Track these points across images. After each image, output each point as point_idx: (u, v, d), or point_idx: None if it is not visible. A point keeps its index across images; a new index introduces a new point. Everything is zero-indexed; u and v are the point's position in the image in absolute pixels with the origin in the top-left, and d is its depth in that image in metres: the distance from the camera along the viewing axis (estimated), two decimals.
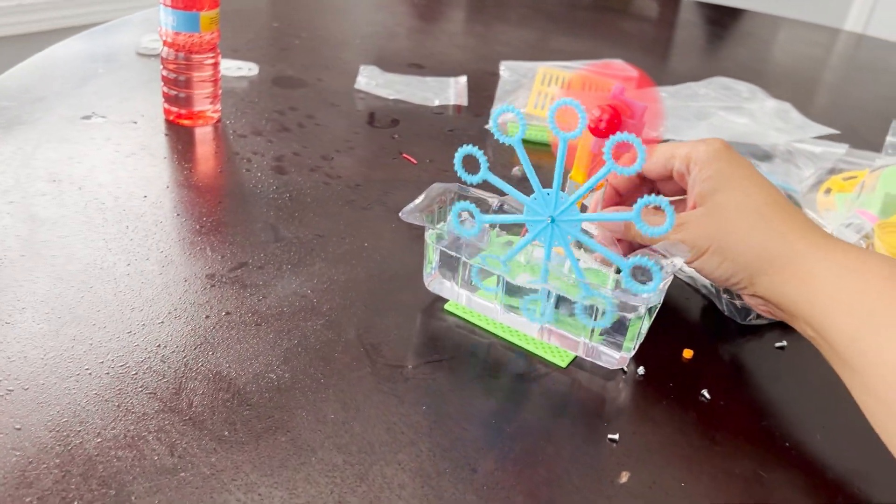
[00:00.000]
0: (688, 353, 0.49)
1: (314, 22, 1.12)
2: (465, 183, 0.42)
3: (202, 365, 0.43)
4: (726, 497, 0.39)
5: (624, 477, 0.39)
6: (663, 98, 0.82)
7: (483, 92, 0.90)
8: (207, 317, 0.47)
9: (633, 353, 0.46)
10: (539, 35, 1.21)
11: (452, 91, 0.88)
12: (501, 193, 0.45)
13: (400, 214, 0.47)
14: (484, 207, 0.49)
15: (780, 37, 1.46)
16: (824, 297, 0.40)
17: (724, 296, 0.53)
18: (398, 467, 0.38)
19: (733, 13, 1.55)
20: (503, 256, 0.45)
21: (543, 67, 0.90)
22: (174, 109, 0.72)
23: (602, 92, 0.45)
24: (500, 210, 0.49)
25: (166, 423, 0.39)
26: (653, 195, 0.37)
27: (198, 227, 0.56)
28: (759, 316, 0.52)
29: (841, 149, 0.75)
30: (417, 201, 0.48)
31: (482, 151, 0.42)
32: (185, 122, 0.72)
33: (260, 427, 0.39)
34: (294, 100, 0.81)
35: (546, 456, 0.40)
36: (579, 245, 0.47)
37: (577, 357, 0.47)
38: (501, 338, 0.48)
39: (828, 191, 0.69)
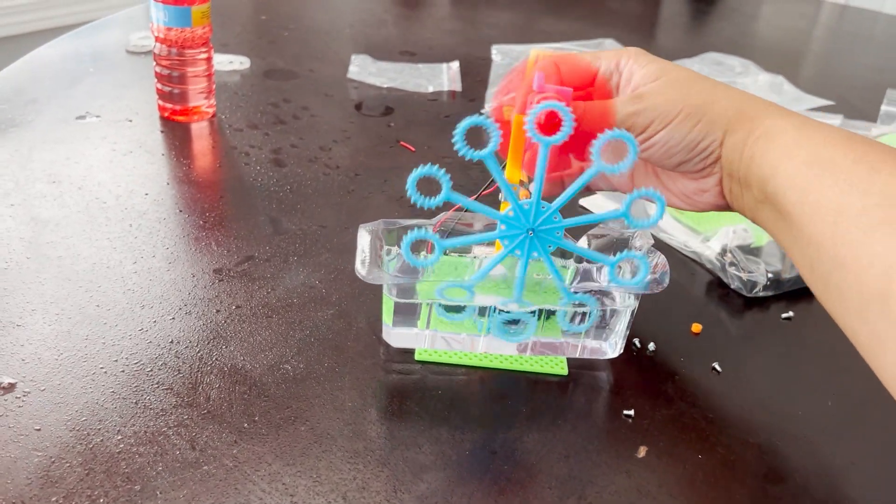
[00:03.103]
0: (697, 328, 0.49)
1: (301, 13, 1.11)
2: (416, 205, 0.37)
3: (216, 359, 0.43)
4: (743, 466, 0.39)
5: (642, 451, 0.40)
6: None
7: (476, 77, 0.90)
8: (218, 311, 0.47)
9: (626, 338, 0.45)
10: (526, 16, 1.21)
11: (445, 77, 0.88)
12: (424, 216, 0.40)
13: (360, 276, 0.41)
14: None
15: (764, 10, 1.46)
16: (784, 148, 0.39)
17: (731, 269, 0.54)
18: (419, 451, 0.38)
19: None
20: (468, 282, 0.41)
21: (536, 50, 0.89)
22: (169, 106, 0.71)
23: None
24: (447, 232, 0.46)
25: (185, 417, 0.39)
26: (644, 189, 0.37)
27: (201, 222, 0.56)
28: (765, 287, 0.52)
29: (836, 119, 0.76)
30: (364, 255, 0.42)
31: (443, 171, 0.37)
32: (181, 118, 0.71)
33: (279, 418, 0.40)
34: (287, 92, 0.81)
35: (563, 434, 0.40)
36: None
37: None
38: (488, 368, 0.45)
39: None
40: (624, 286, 0.41)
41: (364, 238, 0.44)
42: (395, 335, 0.44)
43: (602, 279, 0.47)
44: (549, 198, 0.39)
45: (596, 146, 0.37)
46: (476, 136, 0.37)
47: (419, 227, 0.39)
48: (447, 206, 0.39)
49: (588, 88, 0.46)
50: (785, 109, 0.42)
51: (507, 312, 0.42)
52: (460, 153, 0.36)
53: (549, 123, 0.40)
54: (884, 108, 0.69)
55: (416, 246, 0.40)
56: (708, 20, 1.38)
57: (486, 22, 1.16)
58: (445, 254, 0.46)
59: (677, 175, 0.45)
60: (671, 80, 0.43)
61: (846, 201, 0.36)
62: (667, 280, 0.41)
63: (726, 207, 0.45)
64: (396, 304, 0.43)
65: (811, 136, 0.39)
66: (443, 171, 0.36)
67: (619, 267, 0.44)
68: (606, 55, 0.46)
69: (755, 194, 0.41)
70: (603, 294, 0.43)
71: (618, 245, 0.46)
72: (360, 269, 0.41)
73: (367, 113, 0.78)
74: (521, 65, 0.57)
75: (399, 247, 0.42)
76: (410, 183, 0.36)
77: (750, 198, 0.42)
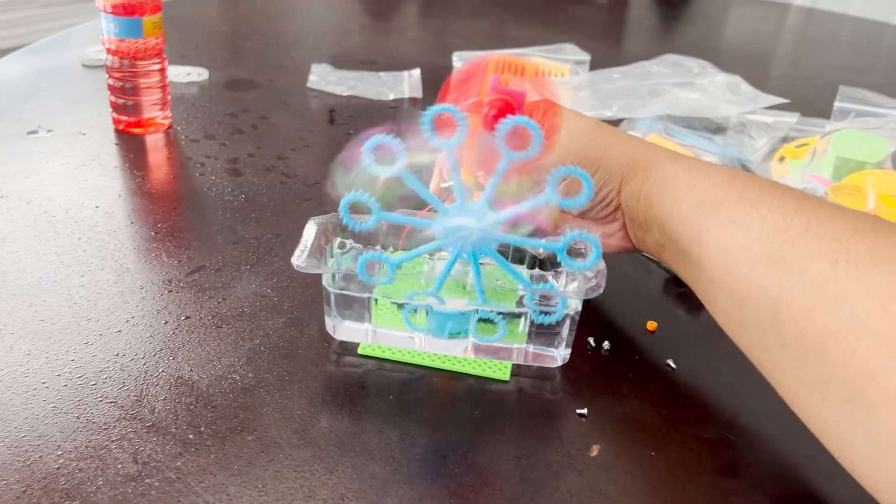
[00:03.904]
0: (651, 326, 0.49)
1: (265, 24, 1.11)
2: (348, 224, 0.38)
3: (163, 370, 0.42)
4: (697, 462, 0.39)
5: (594, 450, 0.39)
6: (615, 78, 0.83)
7: (437, 83, 0.89)
8: (166, 322, 0.46)
9: (570, 347, 0.44)
10: (492, 24, 1.21)
11: (406, 84, 0.88)
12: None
13: (296, 266, 0.41)
14: (373, 238, 0.46)
15: (732, 15, 1.48)
16: (676, 193, 0.41)
17: None
18: (368, 457, 0.38)
19: None
20: (431, 289, 0.41)
21: (497, 55, 0.90)
22: (123, 118, 0.70)
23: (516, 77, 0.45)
24: (391, 231, 0.46)
25: (128, 430, 0.38)
26: (580, 232, 0.37)
27: (153, 233, 0.55)
28: None
29: (792, 118, 0.76)
30: (305, 246, 0.42)
31: (370, 195, 0.37)
32: (136, 130, 0.71)
33: (225, 428, 0.39)
34: (246, 102, 0.80)
35: (515, 435, 0.40)
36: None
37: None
38: (431, 367, 0.44)
39: (781, 159, 0.70)
40: (579, 268, 0.40)
41: (310, 230, 0.44)
42: (339, 328, 0.45)
43: (557, 284, 0.46)
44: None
45: (552, 178, 0.37)
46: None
47: (372, 249, 0.39)
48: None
49: None
50: (677, 154, 0.45)
51: (482, 312, 0.42)
52: (370, 170, 0.37)
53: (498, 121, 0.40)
54: (837, 104, 0.70)
55: (371, 265, 0.40)
56: (675, 25, 1.39)
57: (451, 30, 1.16)
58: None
59: (588, 220, 0.48)
60: (572, 135, 0.46)
61: (731, 240, 0.38)
62: (603, 286, 0.41)
63: (633, 250, 0.48)
64: (341, 297, 0.43)
65: (700, 179, 0.41)
66: (370, 196, 0.37)
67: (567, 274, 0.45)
68: (524, 108, 0.48)
69: (656, 237, 0.44)
70: (546, 301, 0.42)
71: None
72: (297, 259, 0.41)
73: (326, 121, 0.78)
74: (474, 64, 0.57)
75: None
76: (342, 208, 0.38)
77: (652, 240, 0.44)
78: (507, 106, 0.42)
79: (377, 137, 0.37)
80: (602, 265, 0.42)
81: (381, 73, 0.91)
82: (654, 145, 0.46)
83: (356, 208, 0.39)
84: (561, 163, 0.43)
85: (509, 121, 0.36)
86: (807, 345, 0.33)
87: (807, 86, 1.01)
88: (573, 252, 0.43)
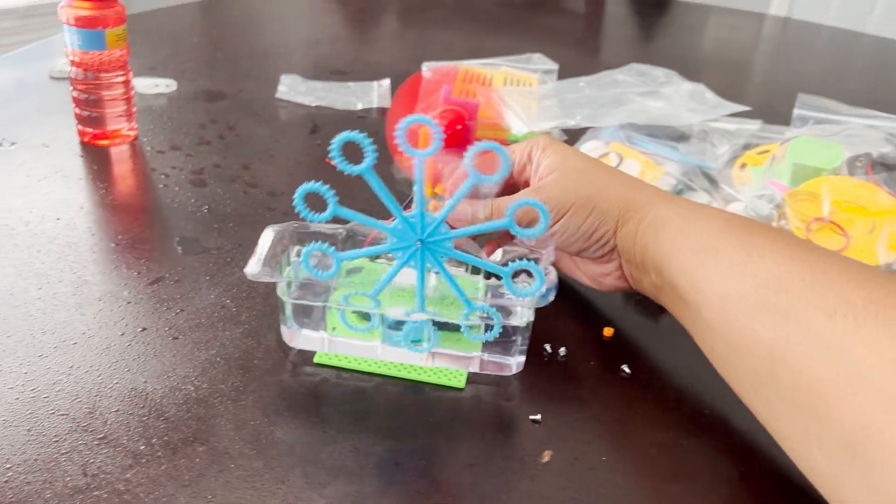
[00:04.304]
0: (608, 332, 0.49)
1: (235, 35, 1.11)
2: (305, 220, 0.38)
3: (117, 382, 0.42)
4: (647, 466, 0.40)
5: (546, 456, 0.40)
6: (581, 87, 0.83)
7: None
8: (123, 334, 0.46)
9: (525, 355, 0.45)
10: (466, 35, 1.22)
11: (375, 94, 0.88)
12: (344, 221, 0.40)
13: (247, 275, 0.42)
14: (330, 241, 0.45)
15: (709, 24, 1.49)
16: (672, 238, 0.42)
17: None
18: (320, 466, 0.38)
19: (661, 3, 1.58)
20: (371, 291, 0.41)
21: (466, 66, 0.90)
22: (88, 130, 0.70)
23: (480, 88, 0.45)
24: (349, 239, 0.46)
25: (79, 443, 0.38)
26: (524, 198, 0.37)
27: (113, 245, 0.55)
28: None
29: (755, 125, 0.77)
30: (260, 254, 0.43)
31: (328, 186, 0.37)
32: (101, 142, 0.70)
33: (177, 439, 0.39)
34: (214, 113, 0.80)
35: (469, 442, 0.40)
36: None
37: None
38: (387, 376, 0.44)
39: (743, 165, 0.70)
40: (519, 296, 0.41)
41: (266, 237, 0.44)
42: (297, 337, 0.45)
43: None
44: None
45: (511, 207, 0.37)
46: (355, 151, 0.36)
47: (320, 240, 0.39)
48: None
49: (510, 183, 0.50)
50: (671, 196, 0.45)
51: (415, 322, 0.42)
52: (339, 168, 0.36)
53: (453, 131, 0.40)
54: (796, 111, 0.71)
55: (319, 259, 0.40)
56: (651, 35, 1.40)
57: (423, 41, 1.17)
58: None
59: (584, 259, 0.48)
60: (567, 172, 0.46)
61: (728, 287, 0.38)
62: (552, 295, 0.41)
63: (630, 289, 0.48)
64: (297, 306, 0.43)
65: (695, 223, 0.42)
66: (327, 187, 0.37)
67: (521, 282, 0.45)
68: (521, 147, 0.50)
69: (654, 279, 0.44)
70: (504, 309, 0.43)
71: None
72: (249, 267, 0.41)
73: (293, 131, 0.78)
74: (438, 77, 0.58)
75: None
76: (298, 197, 0.37)
77: (649, 282, 0.45)
78: (458, 117, 0.43)
79: (346, 135, 0.37)
80: (553, 274, 0.42)
81: (350, 84, 0.91)
82: (650, 186, 0.46)
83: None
84: (559, 204, 0.45)
85: (480, 144, 0.36)
86: (804, 396, 0.33)
87: (775, 93, 1.02)
88: (520, 276, 0.43)
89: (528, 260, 0.39)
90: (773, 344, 0.35)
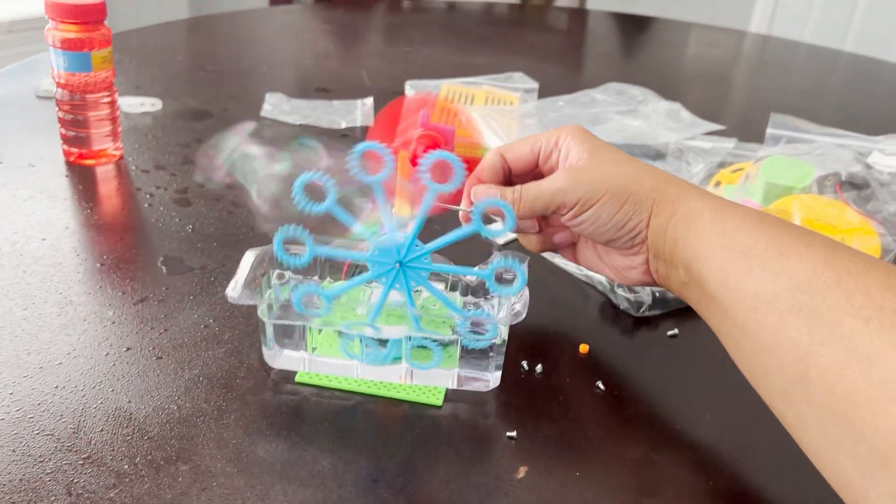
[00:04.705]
0: (584, 349, 0.51)
1: (220, 54, 1.12)
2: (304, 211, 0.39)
3: (101, 402, 0.43)
4: (619, 481, 0.41)
5: (521, 472, 0.41)
6: (560, 106, 0.85)
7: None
8: (107, 354, 0.47)
9: (500, 370, 0.46)
10: (449, 52, 1.23)
11: (359, 113, 0.90)
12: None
13: (229, 298, 0.43)
14: (310, 272, 0.47)
15: (690, 41, 1.52)
16: (703, 233, 0.41)
17: (619, 290, 0.55)
18: (300, 484, 0.39)
19: (642, 21, 1.60)
20: (368, 318, 0.43)
21: (447, 84, 0.92)
22: (74, 150, 0.71)
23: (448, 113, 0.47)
24: (326, 263, 0.48)
25: (64, 462, 0.39)
26: (490, 200, 0.38)
27: (98, 265, 0.56)
28: (651, 306, 0.54)
29: (730, 143, 0.79)
30: (240, 278, 0.44)
31: (328, 176, 0.38)
32: (87, 161, 0.71)
33: (160, 458, 0.40)
34: (199, 132, 0.81)
35: (446, 458, 0.41)
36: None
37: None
38: (368, 394, 0.45)
39: (717, 184, 0.72)
40: (503, 294, 0.42)
41: (247, 260, 0.45)
42: (278, 358, 0.46)
43: (490, 310, 0.48)
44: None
45: (476, 210, 0.38)
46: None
47: (309, 281, 0.41)
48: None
49: (535, 171, 0.50)
50: (704, 192, 0.44)
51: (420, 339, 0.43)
52: (304, 210, 0.37)
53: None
54: (769, 130, 0.73)
55: (308, 297, 0.41)
56: (632, 52, 1.42)
57: (407, 59, 1.18)
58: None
59: (611, 249, 0.48)
60: (600, 161, 0.46)
61: (761, 287, 0.37)
62: (524, 313, 0.43)
63: (653, 283, 0.48)
64: (278, 327, 0.44)
65: (726, 220, 0.41)
66: (328, 176, 0.38)
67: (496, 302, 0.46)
68: (547, 135, 0.49)
69: (681, 275, 0.43)
70: (478, 326, 0.44)
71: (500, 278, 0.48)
72: (230, 290, 0.42)
73: (279, 151, 0.79)
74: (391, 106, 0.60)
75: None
76: (297, 188, 0.38)
77: (676, 278, 0.44)
78: (435, 142, 0.44)
79: (307, 175, 0.38)
80: (525, 293, 0.43)
81: (335, 102, 0.92)
82: (682, 180, 0.45)
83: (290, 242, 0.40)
84: (591, 192, 0.44)
85: (430, 155, 0.38)
86: (835, 403, 0.32)
87: (752, 110, 1.04)
88: (501, 279, 0.44)
89: (508, 258, 0.40)
90: (806, 349, 0.34)
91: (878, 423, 0.30)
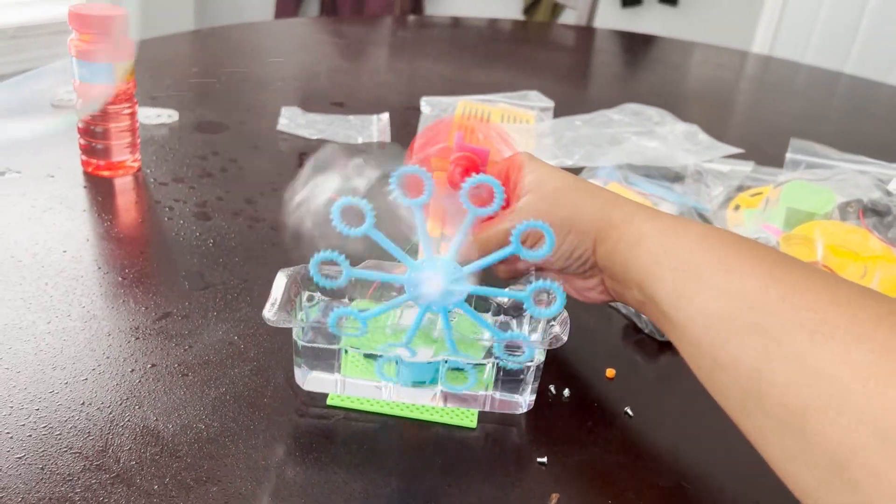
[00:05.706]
0: (610, 373, 0.50)
1: (234, 66, 1.12)
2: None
3: (129, 420, 0.43)
4: None
5: (553, 499, 0.40)
6: (578, 126, 0.85)
7: (405, 127, 0.92)
8: (133, 370, 0.46)
9: (535, 392, 0.46)
10: (459, 68, 1.24)
11: (375, 128, 0.90)
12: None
13: (267, 320, 0.42)
14: (339, 294, 0.47)
15: (692, 61, 1.53)
16: (651, 255, 0.42)
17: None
18: None
19: (647, 40, 1.61)
20: (403, 341, 0.42)
21: (463, 101, 0.92)
22: (92, 161, 0.71)
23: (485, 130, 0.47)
24: (357, 284, 0.48)
25: (93, 481, 0.38)
26: (545, 281, 0.38)
27: (120, 279, 0.55)
28: None
29: (747, 167, 0.79)
30: (275, 300, 0.43)
31: (367, 201, 0.38)
32: (105, 172, 0.71)
33: (190, 479, 0.39)
34: (216, 144, 0.81)
35: (476, 484, 0.41)
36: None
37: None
38: (399, 416, 0.45)
39: (737, 207, 0.72)
40: (543, 315, 0.42)
41: (280, 282, 0.45)
42: (309, 379, 0.45)
43: (520, 329, 0.48)
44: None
45: (516, 232, 0.38)
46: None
47: (340, 302, 0.40)
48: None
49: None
50: (651, 211, 0.45)
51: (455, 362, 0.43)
52: (399, 200, 0.38)
53: (464, 177, 0.42)
54: (788, 155, 0.73)
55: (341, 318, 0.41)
56: (637, 71, 1.43)
57: (418, 74, 1.18)
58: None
59: (566, 276, 0.49)
60: (542, 194, 0.47)
61: (712, 307, 0.38)
62: (565, 337, 0.42)
63: (614, 301, 0.49)
64: (310, 349, 0.44)
65: (674, 241, 0.42)
66: (366, 201, 0.38)
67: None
68: (496, 167, 0.50)
69: (636, 295, 0.44)
70: (514, 348, 0.44)
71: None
72: (268, 313, 0.42)
73: (295, 165, 0.79)
74: (440, 121, 0.59)
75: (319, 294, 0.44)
76: (335, 213, 0.38)
77: (632, 297, 0.45)
78: (472, 163, 0.44)
79: (345, 200, 0.38)
80: (565, 315, 0.43)
81: (350, 117, 0.92)
82: (626, 201, 0.46)
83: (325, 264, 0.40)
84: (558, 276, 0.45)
85: (473, 179, 0.37)
86: (789, 416, 0.33)
87: (762, 134, 1.04)
88: (538, 300, 0.44)
89: (546, 280, 0.39)
90: (759, 365, 0.35)
91: (828, 435, 0.31)
